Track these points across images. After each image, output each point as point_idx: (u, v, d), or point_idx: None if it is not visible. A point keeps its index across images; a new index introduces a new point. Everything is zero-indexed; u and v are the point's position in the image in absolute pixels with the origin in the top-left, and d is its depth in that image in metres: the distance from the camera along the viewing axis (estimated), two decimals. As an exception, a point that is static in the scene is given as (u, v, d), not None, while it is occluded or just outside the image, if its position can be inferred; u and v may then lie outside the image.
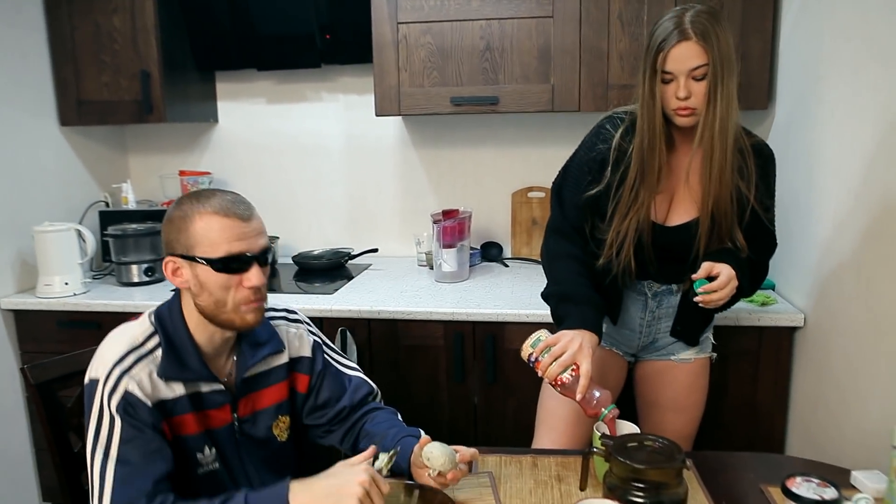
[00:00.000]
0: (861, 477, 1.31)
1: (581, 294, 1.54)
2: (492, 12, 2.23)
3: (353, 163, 2.78)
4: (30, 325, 2.31)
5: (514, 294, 2.23)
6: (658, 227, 1.58)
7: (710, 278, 1.46)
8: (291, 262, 2.65)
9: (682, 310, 1.67)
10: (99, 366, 1.23)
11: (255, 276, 1.25)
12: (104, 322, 2.22)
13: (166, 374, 1.25)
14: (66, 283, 2.30)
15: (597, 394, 1.36)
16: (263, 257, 1.27)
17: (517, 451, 1.48)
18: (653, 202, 1.56)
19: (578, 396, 1.36)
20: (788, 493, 1.23)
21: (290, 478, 1.17)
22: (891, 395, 1.50)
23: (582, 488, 1.30)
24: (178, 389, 1.26)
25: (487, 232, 2.74)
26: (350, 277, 2.46)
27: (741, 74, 2.04)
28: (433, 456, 1.21)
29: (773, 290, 2.17)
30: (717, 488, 1.32)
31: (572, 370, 1.38)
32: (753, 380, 2.01)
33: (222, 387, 1.32)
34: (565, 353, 1.38)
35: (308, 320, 1.51)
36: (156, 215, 2.56)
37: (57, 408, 1.44)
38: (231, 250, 1.23)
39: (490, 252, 2.69)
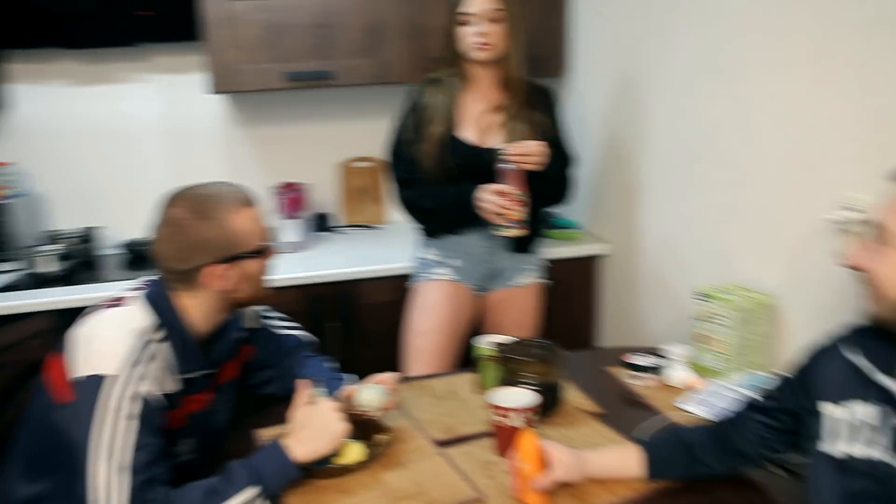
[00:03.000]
0: (670, 348, 1.72)
1: (458, 188, 1.91)
2: (322, -11, 2.35)
3: (175, 145, 2.71)
4: None
5: (358, 255, 2.40)
6: (470, 147, 1.93)
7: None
8: (124, 251, 2.55)
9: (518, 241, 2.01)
10: (108, 360, 1.14)
11: (276, 247, 1.33)
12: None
13: (182, 368, 1.24)
14: None
15: None
16: None
17: (410, 379, 1.69)
18: (464, 128, 1.94)
19: None
20: (627, 365, 1.60)
21: (276, 440, 1.22)
22: (678, 297, 1.96)
23: (479, 392, 1.56)
24: (178, 382, 1.25)
25: (319, 203, 2.86)
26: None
27: (542, 47, 2.43)
28: (370, 400, 1.35)
29: (578, 229, 2.60)
30: (572, 375, 1.63)
31: None
32: (570, 300, 2.43)
33: (212, 370, 1.33)
34: None
35: None
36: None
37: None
38: (265, 234, 1.30)
39: (322, 222, 2.82)
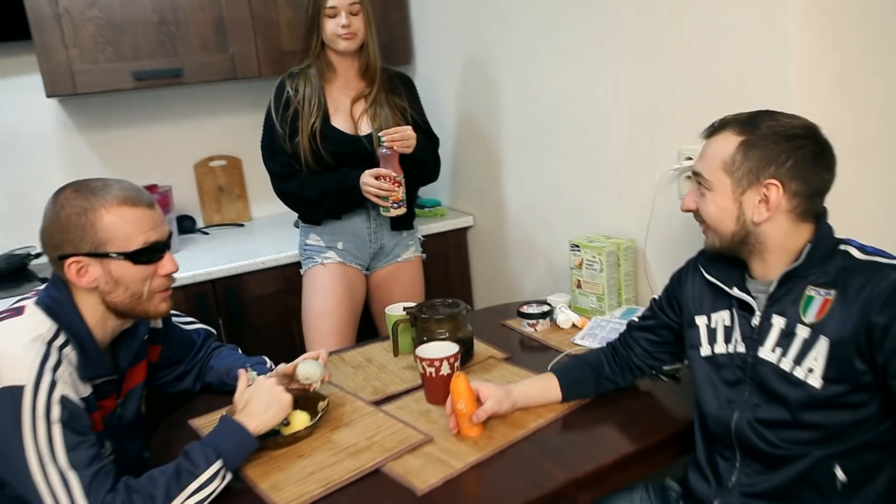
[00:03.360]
0: (553, 297, 1.93)
1: (340, 175, 2.01)
2: (159, -16, 2.29)
3: (5, 156, 2.50)
4: None
5: (235, 251, 2.38)
6: (348, 136, 2.04)
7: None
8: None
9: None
10: (15, 371, 1.10)
11: (169, 262, 1.26)
12: None
13: (86, 374, 1.19)
14: None
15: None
16: (170, 243, 1.28)
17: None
18: (335, 117, 2.04)
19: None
20: (523, 315, 1.79)
21: (224, 414, 1.25)
22: (549, 253, 2.20)
23: (395, 355, 1.66)
24: (88, 388, 1.21)
25: (177, 206, 2.76)
26: (44, 279, 2.26)
27: (388, 37, 2.56)
28: (311, 373, 1.41)
29: (442, 206, 2.77)
30: (475, 329, 1.78)
31: None
32: (446, 271, 2.59)
33: (116, 376, 1.29)
34: None
35: None
36: None
37: None
38: (148, 240, 1.21)
39: (185, 224, 2.73)
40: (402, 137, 1.93)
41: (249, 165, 2.83)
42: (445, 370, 1.40)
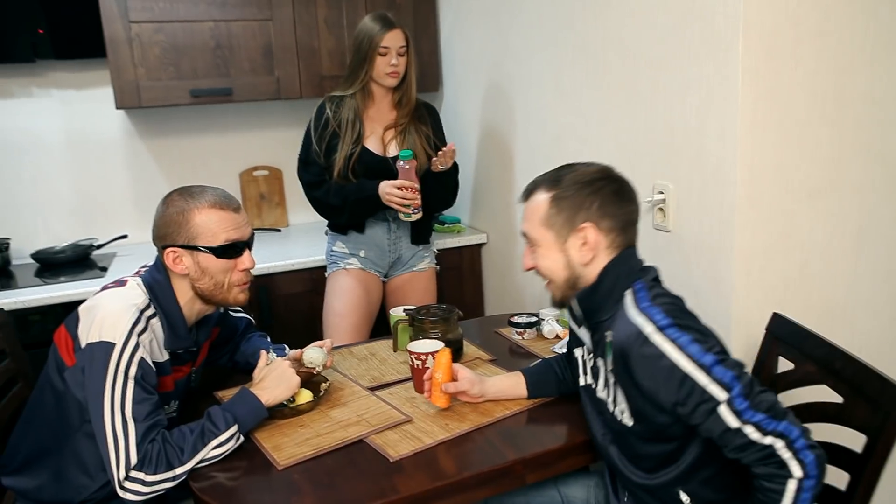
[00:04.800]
0: (545, 310, 2.14)
1: (360, 184, 2.26)
2: (218, 14, 2.59)
3: (77, 158, 2.83)
4: None
5: (271, 253, 2.66)
6: (378, 157, 2.30)
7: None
8: (31, 260, 2.64)
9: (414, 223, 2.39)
10: (110, 329, 1.36)
11: (247, 259, 1.51)
12: None
13: (169, 344, 1.46)
14: None
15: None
16: (251, 243, 1.53)
17: (336, 348, 1.99)
18: (368, 140, 2.30)
19: None
20: (513, 324, 2.00)
21: (244, 387, 1.50)
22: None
23: (395, 350, 1.90)
24: (165, 354, 1.48)
25: (222, 209, 3.07)
26: (103, 268, 2.57)
27: (418, 67, 2.80)
28: (314, 359, 1.65)
29: (461, 223, 3.00)
30: (469, 335, 2.02)
31: None
32: (460, 283, 2.82)
33: (195, 348, 1.57)
34: None
35: None
36: None
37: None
38: (229, 238, 1.46)
39: (228, 227, 3.04)
40: (451, 156, 2.22)
41: (289, 176, 3.11)
42: (430, 364, 1.63)
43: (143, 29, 2.51)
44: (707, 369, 1.15)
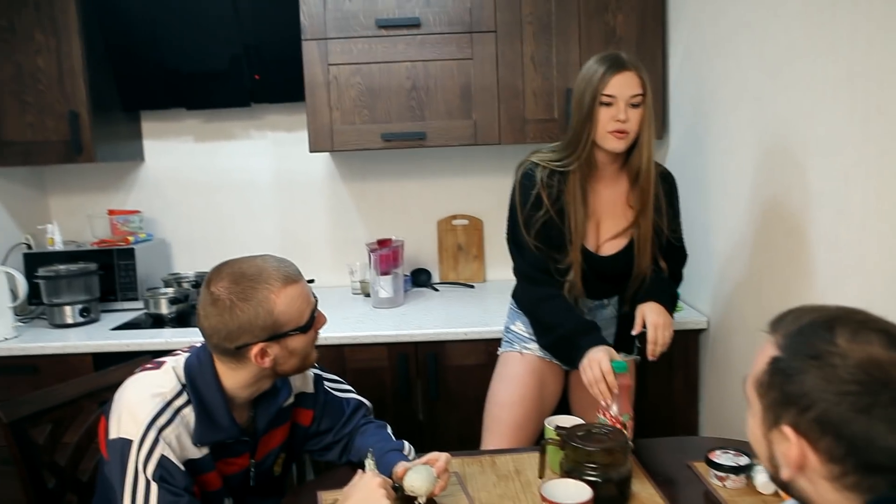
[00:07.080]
0: (767, 447, 1.55)
1: (581, 326, 1.72)
2: (416, 55, 2.42)
3: (283, 198, 2.87)
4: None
5: (450, 315, 2.39)
6: (593, 256, 1.79)
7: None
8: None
9: (619, 329, 1.90)
10: (129, 424, 1.22)
11: (322, 318, 1.35)
12: (41, 366, 2.20)
13: (201, 439, 1.27)
14: (-3, 329, 2.25)
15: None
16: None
17: (477, 453, 1.64)
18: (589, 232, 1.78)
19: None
20: (711, 464, 1.45)
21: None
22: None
23: (541, 476, 1.47)
24: (204, 449, 1.30)
25: (416, 259, 2.89)
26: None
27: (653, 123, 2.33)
28: (415, 487, 1.31)
29: (679, 298, 2.44)
30: (652, 467, 1.52)
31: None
32: (669, 377, 2.27)
33: (248, 438, 1.36)
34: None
35: None
36: (84, 256, 2.54)
37: (29, 446, 1.46)
38: (312, 309, 1.32)
39: (420, 278, 2.85)
40: (664, 344, 1.68)
41: (490, 227, 2.84)
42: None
43: (342, 71, 2.43)
44: None
